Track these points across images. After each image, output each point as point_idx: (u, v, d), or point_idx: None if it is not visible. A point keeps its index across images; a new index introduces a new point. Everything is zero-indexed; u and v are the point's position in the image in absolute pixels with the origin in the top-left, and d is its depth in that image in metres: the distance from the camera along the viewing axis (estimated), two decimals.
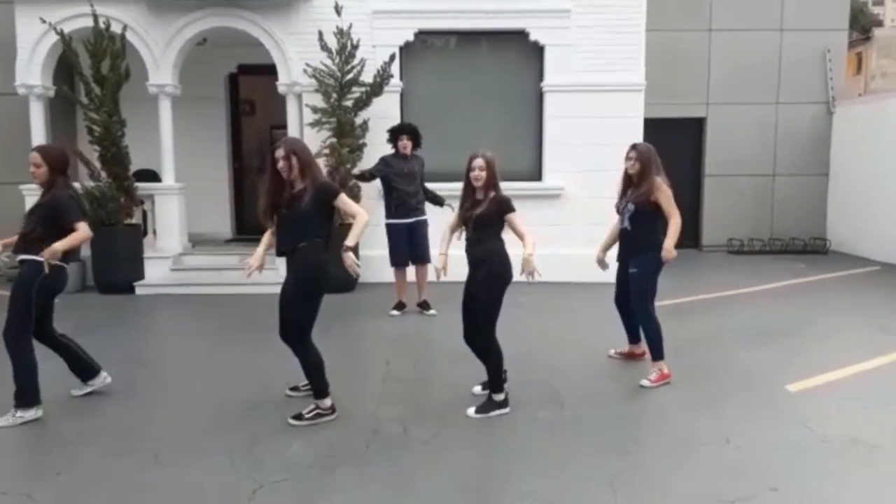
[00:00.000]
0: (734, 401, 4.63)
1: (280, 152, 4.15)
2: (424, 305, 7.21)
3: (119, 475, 3.58)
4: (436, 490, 3.41)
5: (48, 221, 4.17)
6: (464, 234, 4.52)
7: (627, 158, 5.00)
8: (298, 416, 4.24)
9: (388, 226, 7.06)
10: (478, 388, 4.62)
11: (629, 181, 5.05)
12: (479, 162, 4.38)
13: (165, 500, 3.30)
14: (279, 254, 4.27)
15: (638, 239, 4.95)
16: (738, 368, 5.36)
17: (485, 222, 4.38)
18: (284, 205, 4.19)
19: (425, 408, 4.52)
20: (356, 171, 7.38)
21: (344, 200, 4.26)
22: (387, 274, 7.47)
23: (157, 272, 8.62)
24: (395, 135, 7.12)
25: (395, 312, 7.14)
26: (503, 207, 4.38)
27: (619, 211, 5.11)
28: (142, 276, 8.54)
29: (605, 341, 5.74)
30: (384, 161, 7.08)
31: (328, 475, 3.57)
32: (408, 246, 7.04)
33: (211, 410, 4.50)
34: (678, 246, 4.92)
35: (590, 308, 7.42)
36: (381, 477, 3.55)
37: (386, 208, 7.13)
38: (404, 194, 6.97)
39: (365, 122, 8.48)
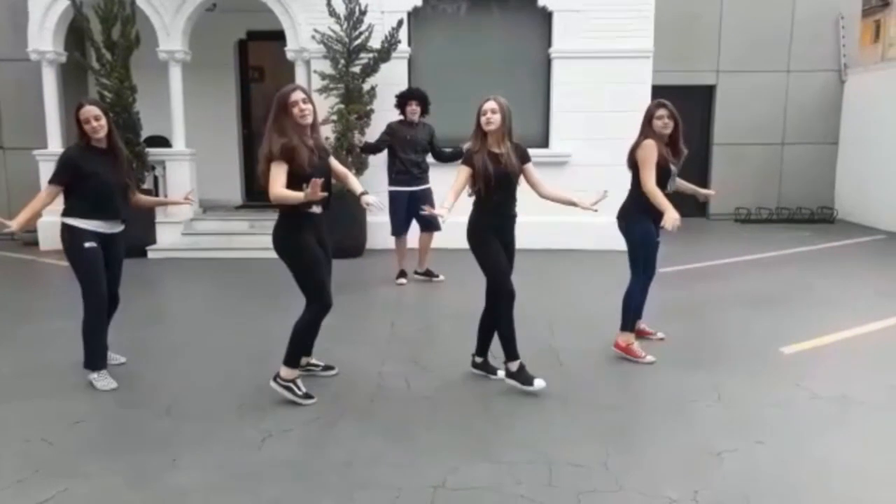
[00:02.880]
0: (728, 362, 4.75)
1: (301, 94, 3.82)
2: (429, 273, 7.27)
3: (134, 424, 3.77)
4: (435, 441, 3.56)
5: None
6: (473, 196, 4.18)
7: (658, 118, 4.59)
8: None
9: (390, 193, 6.99)
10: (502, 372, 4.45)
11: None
12: (490, 104, 4.01)
13: (178, 448, 3.47)
14: (324, 208, 4.02)
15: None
16: (734, 332, 5.48)
17: (515, 178, 4.12)
18: (317, 154, 3.92)
19: (428, 365, 4.67)
20: (361, 143, 7.33)
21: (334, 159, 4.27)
22: (390, 241, 7.57)
23: (168, 237, 8.79)
24: (403, 100, 7.07)
25: (402, 281, 7.14)
26: (524, 156, 4.17)
27: (671, 175, 4.67)
28: (154, 241, 8.71)
29: (606, 306, 5.85)
30: (389, 129, 7.04)
31: (333, 425, 3.73)
32: (409, 214, 6.96)
33: (221, 367, 4.68)
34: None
35: (594, 274, 7.54)
36: (383, 428, 3.71)
37: (388, 175, 7.08)
38: (407, 162, 6.91)
39: (373, 89, 8.53)
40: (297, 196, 3.72)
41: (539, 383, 4.14)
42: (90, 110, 4.10)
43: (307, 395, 4.03)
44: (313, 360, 4.44)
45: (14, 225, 4.10)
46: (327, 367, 4.47)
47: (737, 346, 5.11)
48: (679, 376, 4.47)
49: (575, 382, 4.37)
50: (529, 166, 4.24)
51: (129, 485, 3.13)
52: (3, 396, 4.16)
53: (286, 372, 4.04)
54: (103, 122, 4.16)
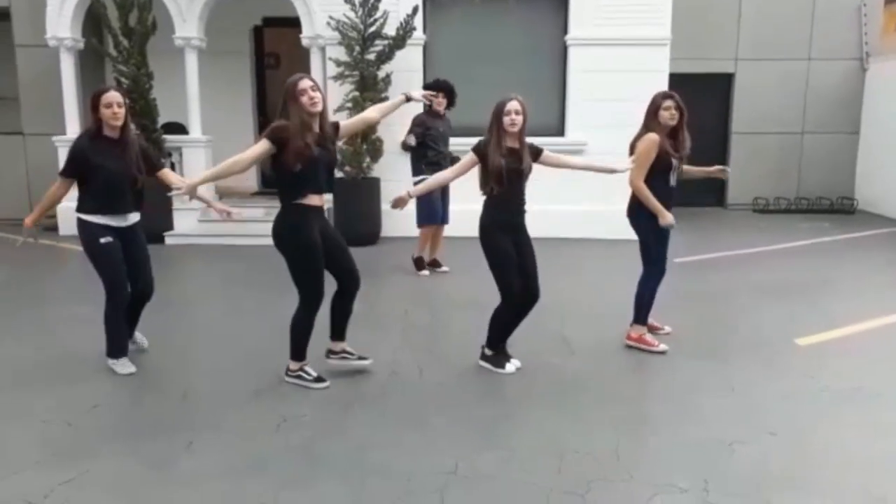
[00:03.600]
0: (743, 353, 4.73)
1: (309, 82, 3.77)
2: (436, 263, 7.19)
3: (151, 408, 3.84)
4: (447, 427, 3.59)
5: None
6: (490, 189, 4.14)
7: (665, 109, 4.49)
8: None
9: (421, 181, 6.83)
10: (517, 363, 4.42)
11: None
12: (515, 105, 4.04)
13: (194, 432, 3.52)
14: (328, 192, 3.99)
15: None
16: (749, 323, 5.45)
17: (527, 175, 4.18)
18: (317, 143, 3.81)
19: (440, 353, 4.70)
20: (403, 142, 6.98)
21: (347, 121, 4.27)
22: (406, 229, 7.57)
23: (185, 223, 8.86)
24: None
25: (425, 272, 7.04)
26: (537, 151, 4.23)
27: (673, 169, 4.59)
28: (171, 227, 8.79)
29: (620, 296, 5.83)
30: (420, 122, 6.82)
31: (348, 411, 3.77)
32: (441, 203, 6.87)
33: (236, 352, 4.74)
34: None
35: (606, 263, 7.51)
36: (396, 414, 3.75)
37: (415, 165, 6.87)
38: (439, 155, 6.75)
39: (388, 76, 8.52)
40: (204, 178, 3.96)
41: (510, 367, 4.31)
42: (115, 95, 4.06)
43: (318, 379, 4.09)
44: (348, 348, 4.33)
45: (28, 221, 4.21)
46: (362, 357, 4.34)
47: (751, 336, 5.09)
48: (692, 367, 4.46)
49: (587, 372, 4.37)
50: (546, 155, 4.28)
51: (146, 467, 3.19)
52: (23, 380, 4.24)
53: (293, 364, 4.13)
54: (124, 109, 4.09)
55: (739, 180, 11.90)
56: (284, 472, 3.14)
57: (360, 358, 4.37)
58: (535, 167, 4.25)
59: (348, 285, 4.16)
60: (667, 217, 4.52)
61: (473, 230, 4.24)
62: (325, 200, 4.04)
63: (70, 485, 3.02)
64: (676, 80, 8.86)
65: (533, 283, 4.25)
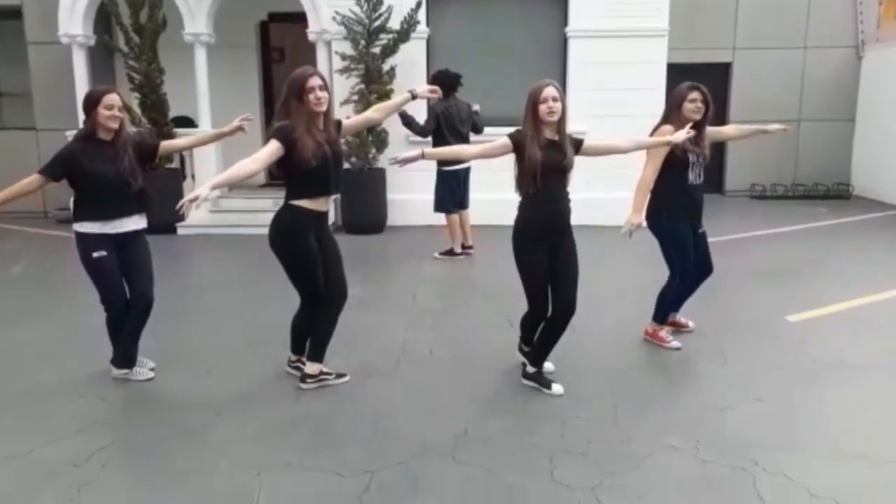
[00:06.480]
0: (736, 329, 4.97)
1: (318, 80, 3.60)
2: (468, 247, 7.34)
3: (176, 385, 4.09)
4: (457, 398, 3.85)
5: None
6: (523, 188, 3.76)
7: (691, 101, 4.30)
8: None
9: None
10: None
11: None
12: (551, 91, 3.57)
13: (221, 404, 3.77)
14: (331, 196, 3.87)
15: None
16: (743, 302, 5.68)
17: (569, 169, 3.73)
18: (327, 142, 3.67)
19: (448, 333, 4.94)
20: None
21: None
22: (414, 217, 7.78)
23: (197, 214, 8.85)
24: (457, 82, 7.01)
25: (460, 257, 7.24)
26: (578, 144, 3.78)
27: (690, 166, 4.40)
28: (183, 218, 8.98)
29: (616, 281, 6.07)
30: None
31: (363, 384, 4.03)
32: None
33: (253, 332, 5.00)
34: None
35: (606, 250, 7.72)
36: (408, 387, 4.01)
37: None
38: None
39: (392, 69, 8.74)
40: (215, 183, 3.51)
41: (557, 388, 3.88)
42: (116, 98, 3.85)
43: (340, 375, 4.07)
44: (326, 369, 4.05)
45: None
46: (339, 375, 4.10)
47: (745, 314, 5.32)
48: (688, 342, 4.69)
49: (586, 350, 4.59)
50: (587, 145, 3.87)
51: (178, 434, 3.45)
52: (55, 359, 4.51)
53: (311, 368, 3.99)
54: (122, 113, 3.90)
55: (737, 167, 12.13)
56: (304, 437, 3.40)
57: (339, 375, 4.10)
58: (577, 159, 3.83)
59: (334, 297, 3.94)
60: (633, 220, 4.37)
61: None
62: (330, 202, 3.91)
63: (108, 450, 3.28)
64: (674, 70, 9.07)
65: (568, 294, 3.81)
